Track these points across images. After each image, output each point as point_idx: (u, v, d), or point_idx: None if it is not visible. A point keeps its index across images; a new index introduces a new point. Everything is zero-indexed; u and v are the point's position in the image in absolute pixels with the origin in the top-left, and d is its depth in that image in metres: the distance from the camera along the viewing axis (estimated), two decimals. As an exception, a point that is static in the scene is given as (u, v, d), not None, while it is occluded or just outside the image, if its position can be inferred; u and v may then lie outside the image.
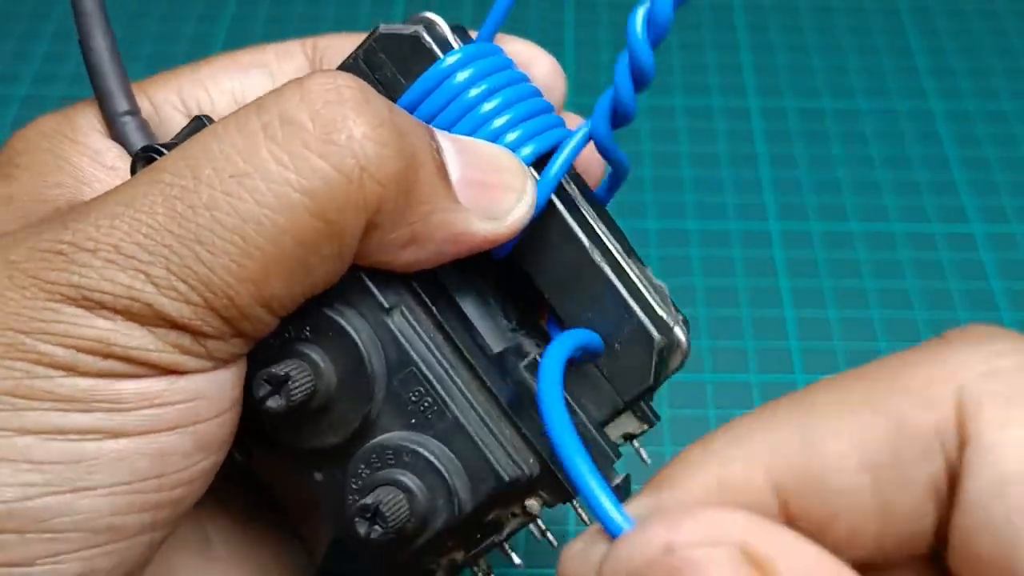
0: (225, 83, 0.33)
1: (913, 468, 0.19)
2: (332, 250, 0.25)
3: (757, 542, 0.18)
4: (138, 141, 0.31)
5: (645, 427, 0.31)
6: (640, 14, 0.29)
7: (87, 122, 0.32)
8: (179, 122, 0.32)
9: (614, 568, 0.19)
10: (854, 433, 0.20)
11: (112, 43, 0.32)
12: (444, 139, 0.27)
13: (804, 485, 0.20)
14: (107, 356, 0.24)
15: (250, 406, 0.27)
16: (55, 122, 0.33)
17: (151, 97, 0.33)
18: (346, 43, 0.33)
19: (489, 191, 0.27)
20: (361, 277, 0.27)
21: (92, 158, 0.32)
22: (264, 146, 0.24)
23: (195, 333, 0.25)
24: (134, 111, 0.32)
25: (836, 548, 0.19)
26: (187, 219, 0.24)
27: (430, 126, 0.28)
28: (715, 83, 0.63)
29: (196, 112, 0.33)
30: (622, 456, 0.31)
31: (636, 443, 0.32)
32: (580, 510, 0.30)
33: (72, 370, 0.24)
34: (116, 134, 0.32)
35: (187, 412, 0.25)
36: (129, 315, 0.24)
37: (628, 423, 0.31)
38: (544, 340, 0.30)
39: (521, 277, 0.30)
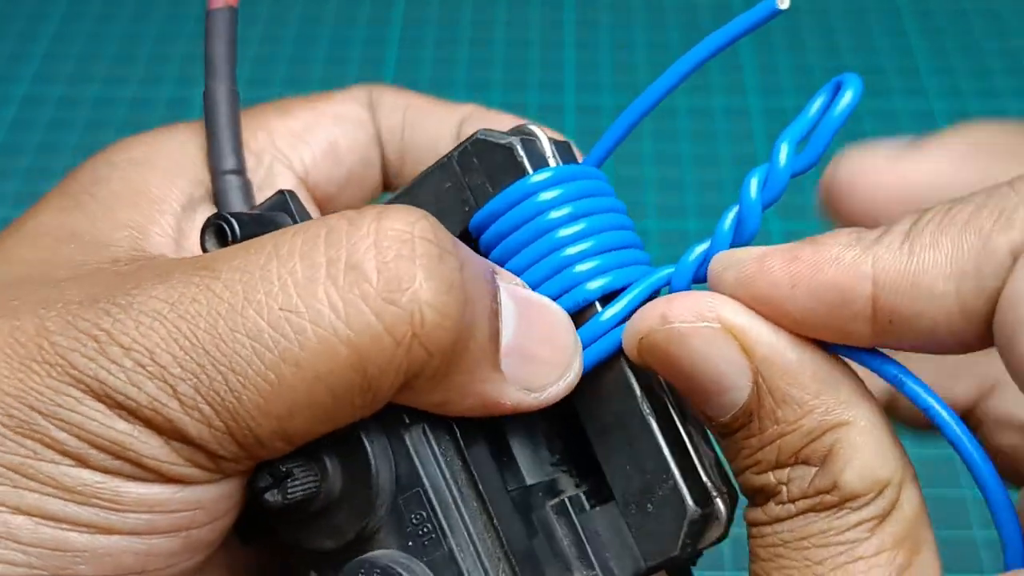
0: (320, 135, 0.32)
1: (990, 278, 0.22)
2: (363, 402, 0.24)
3: (734, 317, 0.24)
4: (236, 202, 0.30)
5: None
6: (755, 180, 0.27)
7: (183, 149, 0.31)
8: (279, 172, 0.31)
9: (633, 329, 0.25)
10: (950, 248, 0.23)
11: (233, 94, 0.30)
12: (507, 297, 0.26)
13: (899, 285, 0.23)
14: (119, 457, 0.24)
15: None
16: (142, 149, 0.31)
17: (271, 132, 0.32)
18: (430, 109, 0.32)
19: (535, 365, 0.26)
20: None
21: (179, 190, 0.30)
22: (322, 286, 0.23)
23: (211, 454, 0.24)
24: (240, 171, 0.30)
25: (914, 343, 0.24)
26: (226, 343, 0.24)
27: (496, 280, 0.26)
28: (716, 83, 0.63)
29: (295, 163, 0.32)
30: None
31: None
32: None
33: (81, 462, 0.24)
34: (217, 189, 0.30)
35: (183, 519, 0.25)
36: (149, 424, 0.23)
37: None
38: (585, 481, 0.29)
39: (574, 417, 0.28)
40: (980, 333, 0.23)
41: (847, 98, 0.27)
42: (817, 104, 0.27)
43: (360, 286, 0.23)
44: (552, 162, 0.28)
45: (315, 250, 0.24)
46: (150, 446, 0.24)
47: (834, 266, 0.24)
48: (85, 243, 0.29)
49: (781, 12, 0.26)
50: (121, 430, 0.23)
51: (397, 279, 0.23)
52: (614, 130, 0.30)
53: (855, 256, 0.24)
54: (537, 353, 0.26)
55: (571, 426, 0.29)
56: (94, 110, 0.61)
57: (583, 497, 0.28)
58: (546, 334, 0.27)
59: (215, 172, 0.30)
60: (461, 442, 0.26)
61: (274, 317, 0.23)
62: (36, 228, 0.30)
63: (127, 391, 0.23)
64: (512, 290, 0.26)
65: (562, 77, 0.63)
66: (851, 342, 0.25)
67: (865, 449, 0.25)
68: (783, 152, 0.27)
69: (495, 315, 0.25)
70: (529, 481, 0.28)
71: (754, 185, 0.27)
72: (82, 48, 0.65)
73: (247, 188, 0.30)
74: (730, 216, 0.27)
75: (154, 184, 0.30)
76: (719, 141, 0.59)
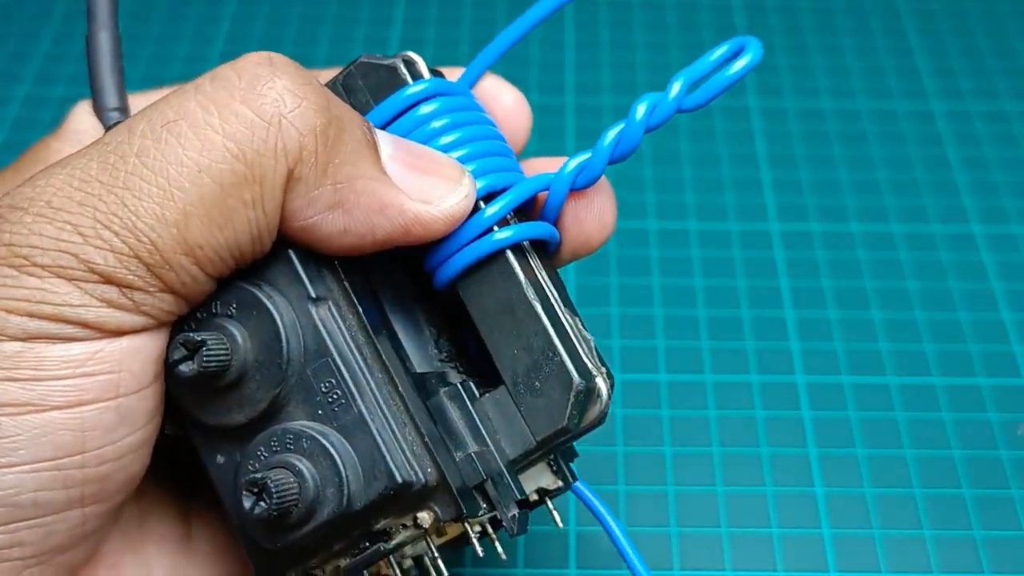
0: None
1: None
2: (253, 195, 0.25)
3: None
4: None
5: (559, 484, 0.31)
6: (644, 105, 0.29)
7: (79, 112, 0.34)
8: None
9: None
10: None
11: (116, 43, 0.33)
12: (379, 131, 0.28)
13: None
14: (33, 316, 0.24)
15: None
16: (62, 127, 0.34)
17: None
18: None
19: (422, 175, 0.28)
20: (292, 263, 0.27)
21: (75, 141, 0.32)
22: (193, 98, 0.26)
23: (121, 284, 0.25)
24: (123, 108, 0.33)
25: None
26: (117, 168, 0.25)
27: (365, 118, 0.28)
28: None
29: None
30: (530, 505, 0.31)
31: (550, 503, 0.32)
32: (473, 534, 0.29)
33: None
34: (103, 124, 0.32)
35: (109, 384, 0.25)
36: (57, 271, 0.24)
37: (543, 476, 0.31)
38: (472, 377, 0.31)
39: (462, 317, 0.30)
40: None
41: (743, 62, 0.29)
42: (717, 54, 0.29)
43: (226, 87, 0.26)
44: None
45: (185, 85, 0.26)
46: (60, 293, 0.24)
47: None
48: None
49: None
50: (30, 286, 0.24)
51: (257, 76, 0.26)
52: (477, 63, 0.33)
53: None
54: (422, 164, 0.28)
55: (457, 330, 0.31)
56: (95, 110, 0.61)
57: (473, 386, 0.29)
58: (426, 154, 0.28)
59: (99, 110, 0.32)
60: (365, 320, 0.27)
61: (156, 133, 0.25)
62: None
63: (30, 241, 0.24)
64: (384, 132, 0.28)
65: (562, 78, 0.63)
66: None
67: None
68: (676, 87, 0.29)
69: (369, 128, 0.27)
70: (420, 371, 0.29)
71: (641, 109, 0.29)
72: (83, 48, 0.65)
73: None
74: (612, 132, 0.30)
75: (65, 147, 0.32)
76: (719, 141, 0.59)
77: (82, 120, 0.33)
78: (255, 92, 0.26)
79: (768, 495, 0.45)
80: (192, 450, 0.29)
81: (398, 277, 0.32)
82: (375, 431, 0.27)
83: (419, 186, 0.27)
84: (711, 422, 0.47)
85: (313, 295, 0.27)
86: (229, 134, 0.25)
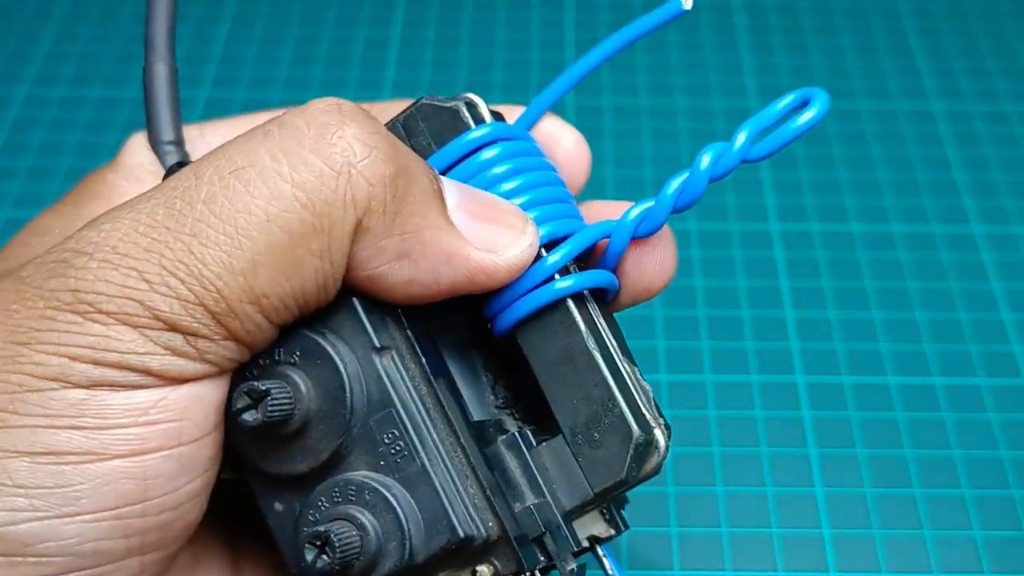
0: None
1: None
2: (321, 245, 0.25)
3: None
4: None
5: (612, 532, 0.31)
6: (709, 155, 0.29)
7: (134, 145, 0.33)
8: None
9: None
10: None
11: (173, 75, 0.33)
12: (445, 179, 0.28)
13: None
14: (98, 363, 0.24)
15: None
16: (113, 160, 0.34)
17: (206, 137, 0.34)
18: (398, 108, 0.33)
19: (486, 224, 0.28)
20: (357, 312, 0.27)
21: (131, 176, 0.32)
22: (262, 146, 0.25)
23: (186, 332, 0.25)
24: (178, 142, 0.32)
25: None
26: (184, 214, 0.25)
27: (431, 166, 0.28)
28: (715, 84, 0.63)
29: None
30: (582, 552, 0.31)
31: (600, 551, 0.32)
32: None
33: (64, 381, 0.24)
34: (158, 157, 0.32)
35: (172, 432, 0.25)
36: (122, 318, 0.24)
37: (596, 524, 0.31)
38: (527, 424, 0.30)
39: (519, 364, 0.30)
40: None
41: (810, 114, 0.28)
42: (784, 103, 0.29)
43: (295, 135, 0.25)
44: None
45: (254, 131, 0.26)
46: (125, 341, 0.24)
47: None
48: (58, 234, 0.31)
49: (685, 13, 0.29)
50: (95, 333, 0.24)
51: (326, 124, 0.26)
52: (538, 103, 0.33)
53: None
54: (487, 213, 0.28)
55: (513, 376, 0.31)
56: (96, 111, 0.61)
57: (530, 434, 0.29)
58: (492, 201, 0.28)
59: (155, 143, 0.32)
60: (427, 370, 0.27)
61: (224, 180, 0.25)
62: (23, 233, 0.32)
63: (96, 288, 0.24)
64: (448, 179, 0.28)
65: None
66: None
67: None
68: (741, 137, 0.29)
69: (435, 177, 0.27)
70: (477, 418, 0.29)
71: (707, 159, 0.29)
72: (84, 49, 0.65)
73: (186, 160, 0.32)
74: (676, 182, 0.29)
75: (120, 180, 0.32)
76: (719, 142, 0.59)
77: (138, 153, 0.33)
78: (324, 141, 0.25)
79: (768, 495, 0.45)
80: (246, 493, 0.29)
81: (456, 322, 0.31)
82: (437, 484, 0.27)
83: (484, 235, 0.27)
84: (711, 422, 0.47)
85: (377, 345, 0.27)
86: (298, 183, 0.25)
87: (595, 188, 0.56)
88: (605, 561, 0.32)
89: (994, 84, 0.63)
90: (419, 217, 0.26)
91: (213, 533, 0.31)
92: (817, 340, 0.50)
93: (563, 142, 0.33)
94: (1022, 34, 0.66)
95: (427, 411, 0.27)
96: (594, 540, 0.31)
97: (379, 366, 0.27)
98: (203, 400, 0.26)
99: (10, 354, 0.24)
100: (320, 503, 0.27)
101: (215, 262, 0.25)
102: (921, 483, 0.45)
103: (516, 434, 0.29)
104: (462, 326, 0.31)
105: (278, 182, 0.25)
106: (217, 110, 0.61)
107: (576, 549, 0.29)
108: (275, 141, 0.25)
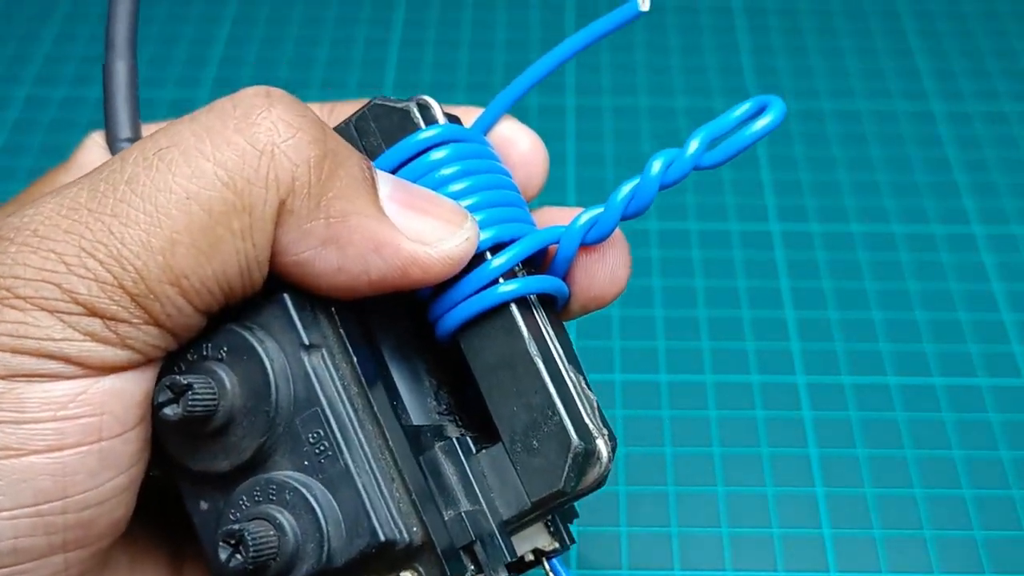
0: None
1: None
2: (242, 224, 0.25)
3: None
4: None
5: (556, 546, 0.30)
6: (660, 161, 0.29)
7: (88, 145, 0.33)
8: None
9: None
10: None
11: (132, 73, 0.32)
12: (380, 171, 0.27)
13: None
14: (15, 351, 0.24)
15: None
16: (71, 159, 0.33)
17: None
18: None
19: (421, 216, 0.27)
20: (287, 307, 0.27)
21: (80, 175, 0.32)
22: (188, 127, 0.25)
23: (105, 316, 0.24)
24: (135, 139, 0.32)
25: None
26: (106, 195, 0.24)
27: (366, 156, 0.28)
28: (715, 85, 0.63)
29: None
30: (524, 566, 0.30)
31: (546, 564, 0.31)
32: None
33: None
34: (113, 153, 0.32)
35: (91, 427, 0.25)
36: (39, 303, 0.24)
37: (539, 537, 0.30)
38: (470, 432, 0.30)
39: (464, 370, 0.29)
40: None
41: (765, 121, 0.28)
42: (740, 111, 0.29)
43: (221, 116, 0.25)
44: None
45: (182, 117, 0.26)
46: (42, 326, 0.24)
47: None
48: None
49: (642, 14, 0.29)
50: (13, 319, 0.24)
51: (252, 106, 0.25)
52: (495, 106, 0.32)
53: None
54: (421, 207, 0.27)
55: (455, 383, 0.31)
56: (96, 111, 0.61)
57: (470, 441, 0.28)
58: (426, 195, 0.28)
59: (111, 141, 0.31)
60: (359, 370, 0.27)
61: (148, 160, 0.25)
62: None
63: (14, 271, 0.24)
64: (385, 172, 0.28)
65: (562, 78, 0.63)
66: None
67: None
68: (694, 144, 0.29)
69: (368, 166, 0.27)
70: (416, 423, 0.28)
71: (657, 165, 0.29)
72: (84, 49, 0.65)
73: None
74: (626, 188, 0.29)
75: (61, 179, 0.32)
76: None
77: (92, 152, 0.33)
78: (249, 121, 0.25)
79: (768, 495, 0.45)
80: (178, 494, 0.28)
81: (400, 325, 0.31)
82: (360, 485, 0.26)
83: (417, 227, 0.27)
84: (711, 422, 0.47)
85: (306, 342, 0.26)
86: (220, 162, 0.25)
87: (594, 191, 0.56)
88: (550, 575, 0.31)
89: (994, 85, 0.63)
90: (346, 202, 0.26)
91: (151, 534, 0.30)
92: (817, 341, 0.50)
93: (519, 144, 0.33)
94: (1022, 34, 0.66)
95: (355, 411, 0.27)
96: (539, 553, 0.30)
97: (307, 364, 0.26)
98: (125, 394, 0.25)
99: None
100: (241, 502, 0.26)
101: (134, 241, 0.24)
102: (921, 483, 0.45)
103: (455, 440, 0.28)
104: (406, 330, 0.31)
105: (200, 160, 0.25)
106: (217, 110, 0.61)
107: (510, 560, 0.28)
108: (200, 122, 0.25)
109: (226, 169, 0.25)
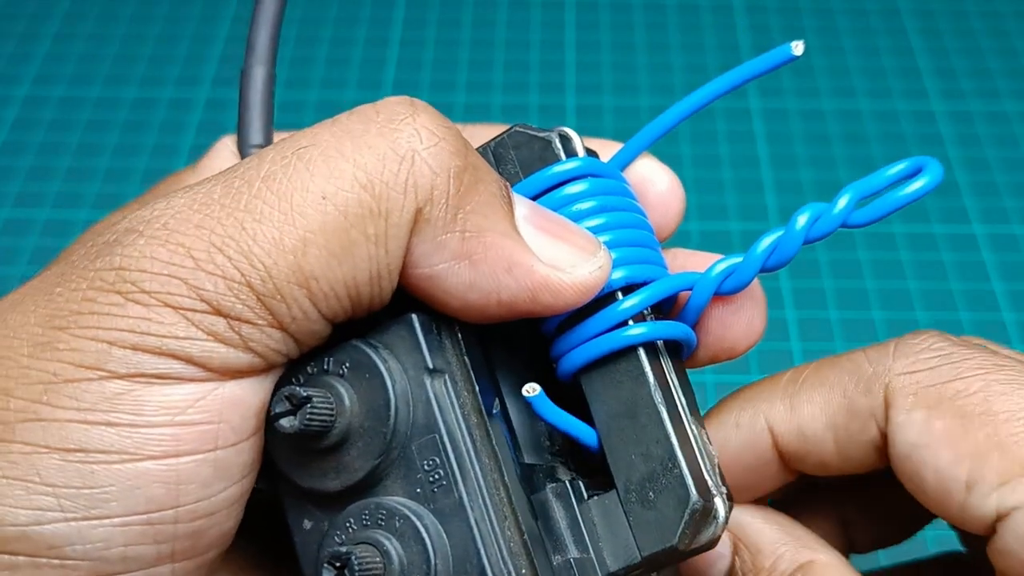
0: None
1: (858, 432, 0.29)
2: (377, 229, 0.24)
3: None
4: None
5: None
6: (806, 215, 0.27)
7: (221, 148, 0.32)
8: None
9: None
10: (822, 404, 0.29)
11: (270, 80, 0.31)
12: (516, 193, 0.27)
13: (789, 434, 0.30)
14: (137, 349, 0.23)
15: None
16: (199, 160, 0.33)
17: None
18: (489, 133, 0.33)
19: (555, 240, 0.26)
20: (414, 328, 0.26)
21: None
22: (328, 129, 0.25)
23: (229, 316, 0.24)
24: (267, 145, 0.31)
25: (809, 472, 0.30)
26: (240, 191, 0.24)
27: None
28: (716, 84, 0.63)
29: None
30: None
31: None
32: None
33: (101, 370, 0.23)
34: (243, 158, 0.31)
35: (208, 435, 0.24)
36: (164, 298, 0.23)
37: None
38: (581, 476, 0.29)
39: (581, 411, 0.28)
40: (862, 464, 0.29)
41: (919, 184, 0.27)
42: (895, 170, 0.28)
43: (364, 120, 0.25)
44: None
45: (323, 121, 0.25)
46: (165, 324, 0.23)
47: (736, 432, 0.30)
48: None
49: (796, 59, 0.28)
50: (136, 315, 0.23)
51: (396, 112, 0.25)
52: (634, 143, 0.31)
53: (751, 416, 0.30)
54: (555, 232, 0.26)
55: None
56: (96, 111, 0.61)
57: (582, 485, 0.28)
58: (562, 221, 0.27)
59: (242, 146, 0.31)
60: (480, 400, 0.26)
61: (286, 159, 0.24)
62: (97, 226, 0.30)
63: (140, 265, 0.23)
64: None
65: (563, 78, 0.63)
66: (779, 484, 0.30)
67: (832, 570, 0.29)
68: (843, 201, 0.28)
69: (505, 186, 0.26)
70: (528, 461, 0.28)
71: (803, 220, 0.28)
72: (84, 48, 0.65)
73: None
74: (768, 240, 0.28)
75: (191, 180, 0.31)
76: (720, 142, 0.59)
77: (222, 157, 0.32)
78: (391, 126, 0.24)
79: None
80: (281, 511, 0.27)
81: (520, 360, 0.30)
82: (473, 521, 0.25)
83: (552, 251, 0.26)
84: (712, 423, 0.47)
85: (431, 366, 0.26)
86: (359, 164, 0.24)
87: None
88: None
89: (995, 84, 0.63)
90: (482, 217, 0.25)
91: (254, 553, 0.29)
92: (818, 341, 0.50)
93: (657, 184, 0.31)
94: (1023, 33, 0.66)
95: (473, 443, 0.26)
96: None
97: (429, 389, 0.26)
98: (243, 402, 0.25)
99: (48, 340, 0.23)
100: (348, 524, 0.25)
101: (265, 238, 0.23)
102: (922, 484, 0.45)
103: (567, 483, 0.27)
104: (523, 366, 0.30)
105: (339, 161, 0.24)
106: (217, 110, 0.61)
107: None
108: (342, 125, 0.25)
109: (365, 171, 0.24)
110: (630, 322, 0.27)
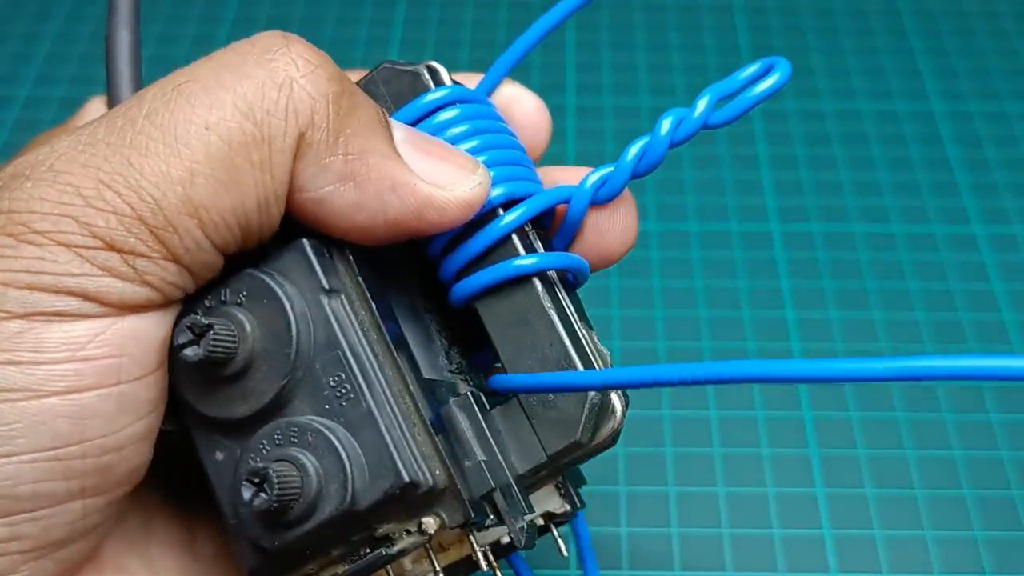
0: None
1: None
2: (261, 155, 0.25)
3: None
4: None
5: (567, 508, 0.30)
6: (669, 120, 0.29)
7: (90, 109, 0.33)
8: None
9: None
10: None
11: (135, 41, 0.32)
12: (392, 118, 0.28)
13: None
14: (32, 288, 0.23)
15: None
16: (63, 124, 0.34)
17: None
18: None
19: (436, 160, 0.27)
20: (306, 252, 0.27)
21: None
22: (206, 64, 0.26)
23: (123, 250, 0.24)
24: None
25: None
26: (124, 129, 0.24)
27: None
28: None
29: None
30: (537, 526, 0.30)
31: (555, 530, 0.31)
32: (476, 543, 0.28)
33: None
34: None
35: (110, 369, 0.24)
36: (56, 237, 0.24)
37: (551, 500, 0.30)
38: (481, 389, 0.30)
39: (474, 330, 0.29)
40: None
41: (771, 80, 0.28)
42: (747, 72, 0.29)
43: (238, 52, 0.25)
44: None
45: (199, 59, 0.26)
46: (60, 262, 0.24)
47: None
48: None
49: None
50: (30, 255, 0.23)
51: (271, 44, 0.26)
52: (496, 70, 0.33)
53: None
54: (435, 152, 0.27)
55: (467, 344, 0.31)
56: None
57: (483, 397, 0.28)
58: (439, 143, 0.28)
59: (113, 103, 0.31)
60: (377, 317, 0.27)
61: (167, 95, 0.25)
62: None
63: (30, 206, 0.24)
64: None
65: (563, 78, 0.63)
66: None
67: None
68: (702, 103, 0.29)
69: (382, 110, 0.27)
70: (428, 377, 0.28)
71: (666, 124, 0.29)
72: (84, 49, 0.65)
73: None
74: (636, 147, 0.30)
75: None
76: (719, 142, 0.59)
77: (94, 112, 0.33)
78: (267, 56, 0.25)
79: (769, 495, 0.45)
80: (191, 450, 0.28)
81: (408, 284, 0.31)
82: (383, 428, 0.26)
83: (432, 170, 0.27)
84: (712, 422, 0.47)
85: (326, 287, 0.26)
86: (239, 94, 0.25)
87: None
88: (560, 541, 0.31)
89: (995, 84, 0.63)
90: (364, 140, 0.26)
91: (165, 496, 0.30)
92: (818, 341, 0.50)
93: (523, 104, 0.33)
94: (1023, 34, 0.66)
95: (376, 356, 0.26)
96: (549, 517, 0.30)
97: (327, 308, 0.26)
98: (144, 336, 0.25)
99: None
100: (261, 446, 0.26)
101: (153, 172, 0.24)
102: (922, 483, 0.45)
103: (469, 395, 0.28)
104: (415, 288, 0.31)
105: (220, 93, 0.25)
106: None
107: (528, 512, 0.28)
108: (219, 59, 0.25)
109: (246, 100, 0.25)
110: (521, 250, 0.28)
